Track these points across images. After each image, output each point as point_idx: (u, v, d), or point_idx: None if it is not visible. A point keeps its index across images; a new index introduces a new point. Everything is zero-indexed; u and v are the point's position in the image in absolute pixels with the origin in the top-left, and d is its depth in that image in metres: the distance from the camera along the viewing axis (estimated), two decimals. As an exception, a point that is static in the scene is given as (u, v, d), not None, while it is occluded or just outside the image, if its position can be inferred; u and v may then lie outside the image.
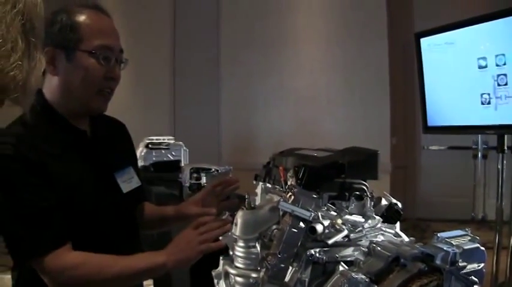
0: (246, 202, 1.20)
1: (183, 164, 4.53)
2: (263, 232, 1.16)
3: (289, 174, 1.10)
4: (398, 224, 1.21)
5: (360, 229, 1.10)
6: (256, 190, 1.42)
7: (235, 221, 1.19)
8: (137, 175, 1.55)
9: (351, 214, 1.10)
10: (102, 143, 1.46)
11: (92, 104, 1.37)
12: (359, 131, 5.98)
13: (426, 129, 3.21)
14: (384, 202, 1.21)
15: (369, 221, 1.11)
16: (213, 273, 1.40)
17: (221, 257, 1.39)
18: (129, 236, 1.51)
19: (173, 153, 4.47)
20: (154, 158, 4.42)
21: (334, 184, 1.09)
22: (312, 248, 1.03)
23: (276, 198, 1.23)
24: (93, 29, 1.33)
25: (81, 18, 1.33)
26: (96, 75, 1.33)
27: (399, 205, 1.19)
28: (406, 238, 1.16)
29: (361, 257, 1.07)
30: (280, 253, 1.01)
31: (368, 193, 1.11)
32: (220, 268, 1.41)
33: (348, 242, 1.05)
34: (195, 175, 2.71)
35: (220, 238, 1.33)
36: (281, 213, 1.15)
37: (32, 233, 1.23)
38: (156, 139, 4.65)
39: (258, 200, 1.39)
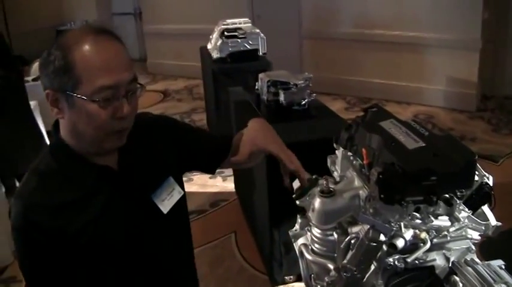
0: (324, 185, 1.16)
1: (260, 53, 4.43)
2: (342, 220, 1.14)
3: (372, 171, 1.03)
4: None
5: (444, 233, 1.05)
6: (337, 153, 1.36)
7: (311, 206, 1.16)
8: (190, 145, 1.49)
9: (436, 216, 1.04)
10: (133, 167, 1.35)
11: (105, 145, 1.25)
12: (450, 4, 5.54)
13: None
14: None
15: (455, 223, 1.05)
16: (290, 233, 1.41)
17: (298, 216, 1.40)
18: (181, 254, 1.48)
19: (250, 42, 4.33)
20: (230, 49, 4.31)
21: (421, 188, 1.01)
22: (391, 256, 1.01)
23: (356, 181, 1.18)
24: (91, 68, 1.15)
25: (77, 55, 1.15)
26: (101, 119, 1.18)
27: (490, 181, 1.10)
28: (493, 220, 1.10)
29: (442, 262, 1.04)
30: (357, 266, 1.00)
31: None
32: (297, 227, 1.42)
33: (430, 246, 1.02)
34: (272, 90, 2.63)
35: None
36: (361, 202, 1.11)
37: None
38: (232, 23, 4.50)
39: (338, 164, 1.34)
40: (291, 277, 2.56)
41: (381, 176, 0.98)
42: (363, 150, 1.16)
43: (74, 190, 1.25)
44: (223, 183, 4.53)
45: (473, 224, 1.08)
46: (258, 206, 3.06)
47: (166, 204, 1.38)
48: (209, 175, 4.60)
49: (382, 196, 0.97)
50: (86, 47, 1.16)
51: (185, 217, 1.53)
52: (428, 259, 1.03)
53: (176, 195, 1.41)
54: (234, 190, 4.30)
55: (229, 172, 4.46)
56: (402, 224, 1.00)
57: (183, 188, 1.47)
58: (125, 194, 1.32)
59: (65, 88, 1.17)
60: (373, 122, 1.24)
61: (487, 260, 1.07)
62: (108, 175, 1.30)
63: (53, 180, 1.25)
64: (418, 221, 1.02)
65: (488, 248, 1.12)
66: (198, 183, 4.47)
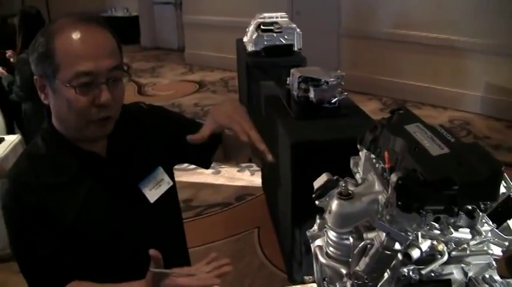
0: (343, 188, 1.13)
1: (296, 48, 4.39)
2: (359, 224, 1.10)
3: (392, 176, 0.99)
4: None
5: (464, 246, 1.00)
6: (360, 154, 1.33)
7: (329, 208, 1.13)
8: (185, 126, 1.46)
9: (456, 228, 1.00)
10: (122, 155, 1.36)
11: (87, 133, 1.26)
12: (492, 8, 5.40)
13: None
14: (501, 189, 1.08)
15: (476, 237, 1.01)
16: (308, 234, 1.39)
17: (317, 216, 1.37)
18: (172, 247, 1.46)
19: (285, 37, 4.30)
20: (265, 43, 4.30)
21: (441, 197, 0.96)
22: (405, 266, 0.97)
23: (376, 185, 1.14)
24: (70, 55, 1.18)
25: (58, 41, 1.18)
26: (80, 106, 1.20)
27: (518, 194, 1.05)
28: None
29: (459, 276, 1.00)
30: (369, 274, 0.96)
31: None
32: (315, 227, 1.39)
33: (448, 259, 0.98)
34: (303, 86, 2.59)
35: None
36: (380, 208, 1.07)
37: (32, 279, 1.29)
38: (269, 17, 4.49)
39: (360, 166, 1.31)
40: (310, 277, 2.52)
41: (399, 182, 0.94)
42: (385, 153, 1.11)
43: (61, 174, 1.28)
44: (250, 177, 4.52)
45: (496, 239, 1.02)
46: (281, 203, 3.04)
47: (153, 193, 1.38)
48: (237, 168, 4.60)
49: (399, 203, 0.93)
50: (67, 34, 1.19)
51: (175, 208, 1.53)
52: (444, 272, 0.98)
53: (165, 185, 1.42)
54: (261, 185, 4.28)
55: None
56: (419, 233, 0.96)
57: (173, 179, 1.47)
58: (111, 182, 1.33)
59: (47, 74, 1.21)
60: (398, 125, 1.19)
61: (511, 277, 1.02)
62: (94, 162, 1.32)
63: (41, 163, 1.28)
64: (437, 231, 0.97)
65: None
66: (225, 176, 4.47)
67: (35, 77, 1.25)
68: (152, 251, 1.19)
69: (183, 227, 1.58)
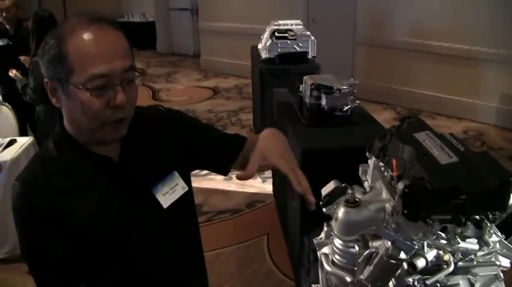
0: (350, 196, 1.11)
1: (310, 56, 4.39)
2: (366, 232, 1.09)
3: (399, 184, 0.98)
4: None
5: (471, 257, 0.99)
6: (369, 162, 1.32)
7: (335, 215, 1.12)
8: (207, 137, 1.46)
9: (464, 238, 0.98)
10: (135, 159, 1.33)
11: (102, 136, 1.24)
12: (508, 18, 5.36)
13: None
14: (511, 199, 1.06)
15: (484, 248, 0.99)
16: (315, 241, 1.37)
17: (325, 224, 1.35)
18: (186, 253, 1.45)
19: (300, 44, 4.31)
20: (279, 50, 4.32)
21: (449, 206, 0.95)
22: (411, 276, 0.96)
23: (384, 193, 1.13)
24: (83, 57, 1.15)
25: (70, 44, 1.16)
26: (95, 108, 1.17)
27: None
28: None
29: (466, 287, 0.98)
30: (372, 283, 0.95)
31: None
32: (322, 235, 1.38)
33: (454, 269, 0.96)
34: (315, 94, 2.58)
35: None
36: (387, 216, 1.06)
37: (44, 281, 1.27)
38: (283, 24, 4.51)
39: (369, 174, 1.30)
40: (318, 285, 2.50)
41: (406, 190, 0.93)
42: (394, 161, 1.10)
43: (73, 178, 1.26)
44: (262, 184, 4.51)
45: (505, 250, 1.01)
46: (291, 210, 3.02)
47: (167, 198, 1.35)
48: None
49: (405, 211, 0.91)
50: (79, 36, 1.16)
51: (190, 214, 1.49)
52: (450, 283, 0.97)
53: (179, 190, 1.38)
54: (271, 192, 4.27)
55: (268, 173, 4.43)
56: (425, 243, 0.95)
57: (190, 185, 1.44)
58: (123, 186, 1.31)
59: (60, 77, 1.18)
60: (407, 133, 1.18)
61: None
62: (106, 166, 1.30)
63: (53, 167, 1.27)
64: (443, 241, 0.96)
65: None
66: (237, 182, 4.46)
67: (45, 80, 1.23)
68: None
69: (199, 233, 1.54)
